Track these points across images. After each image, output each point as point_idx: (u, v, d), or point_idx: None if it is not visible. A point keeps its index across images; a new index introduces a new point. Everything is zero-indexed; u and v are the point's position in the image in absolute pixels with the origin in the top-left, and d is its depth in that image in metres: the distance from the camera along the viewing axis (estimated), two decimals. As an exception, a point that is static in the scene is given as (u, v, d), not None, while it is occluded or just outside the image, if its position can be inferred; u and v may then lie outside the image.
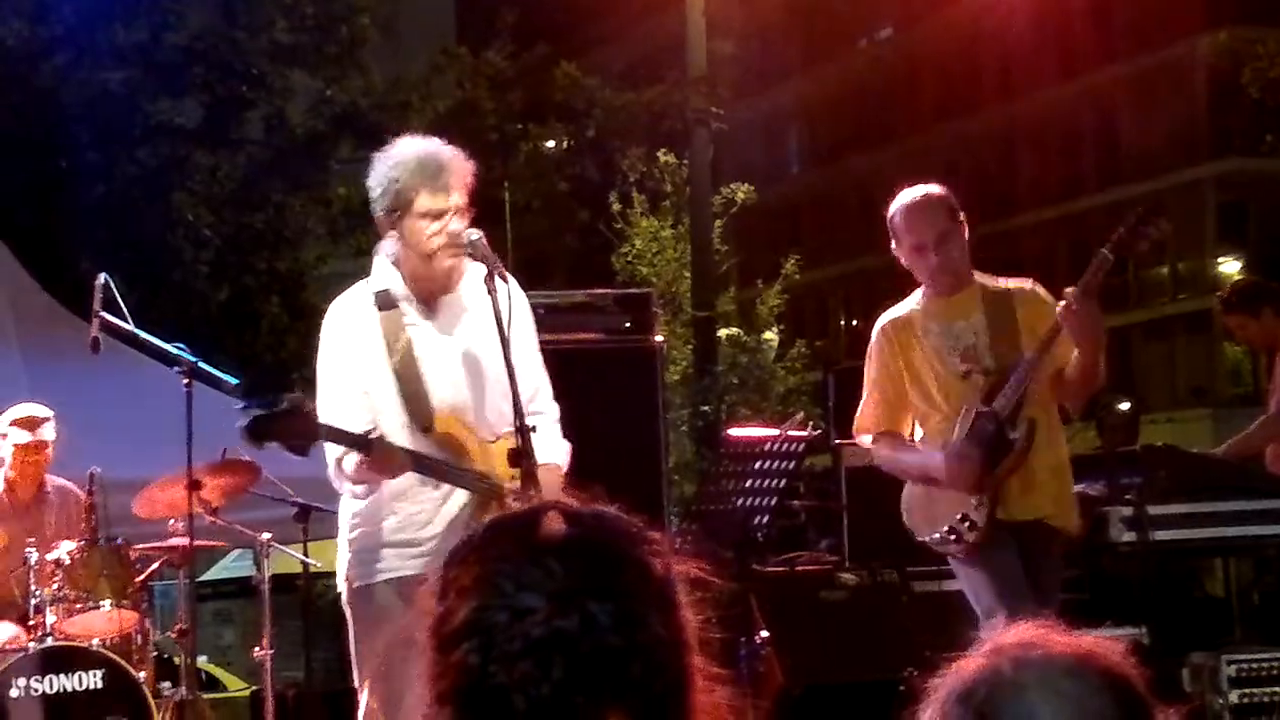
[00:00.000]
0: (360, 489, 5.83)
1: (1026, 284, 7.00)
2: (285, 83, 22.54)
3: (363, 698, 5.82)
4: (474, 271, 5.88)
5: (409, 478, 5.75)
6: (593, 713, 2.06)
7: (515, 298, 5.88)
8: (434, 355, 5.85)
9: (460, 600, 2.09)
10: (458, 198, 5.75)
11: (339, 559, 5.98)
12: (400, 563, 5.74)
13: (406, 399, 5.80)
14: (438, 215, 5.73)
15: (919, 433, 7.01)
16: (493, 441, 5.78)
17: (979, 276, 6.95)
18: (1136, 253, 6.77)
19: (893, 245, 6.90)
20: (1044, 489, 6.78)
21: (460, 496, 5.76)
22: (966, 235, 6.87)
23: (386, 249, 5.93)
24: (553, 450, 5.93)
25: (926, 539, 6.96)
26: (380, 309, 5.88)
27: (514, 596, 2.06)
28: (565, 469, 5.97)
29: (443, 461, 5.75)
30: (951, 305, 6.87)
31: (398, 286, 5.88)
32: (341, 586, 5.95)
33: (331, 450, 5.76)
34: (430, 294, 5.87)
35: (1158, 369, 46.15)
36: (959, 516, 6.75)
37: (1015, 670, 2.06)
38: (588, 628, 2.06)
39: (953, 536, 6.80)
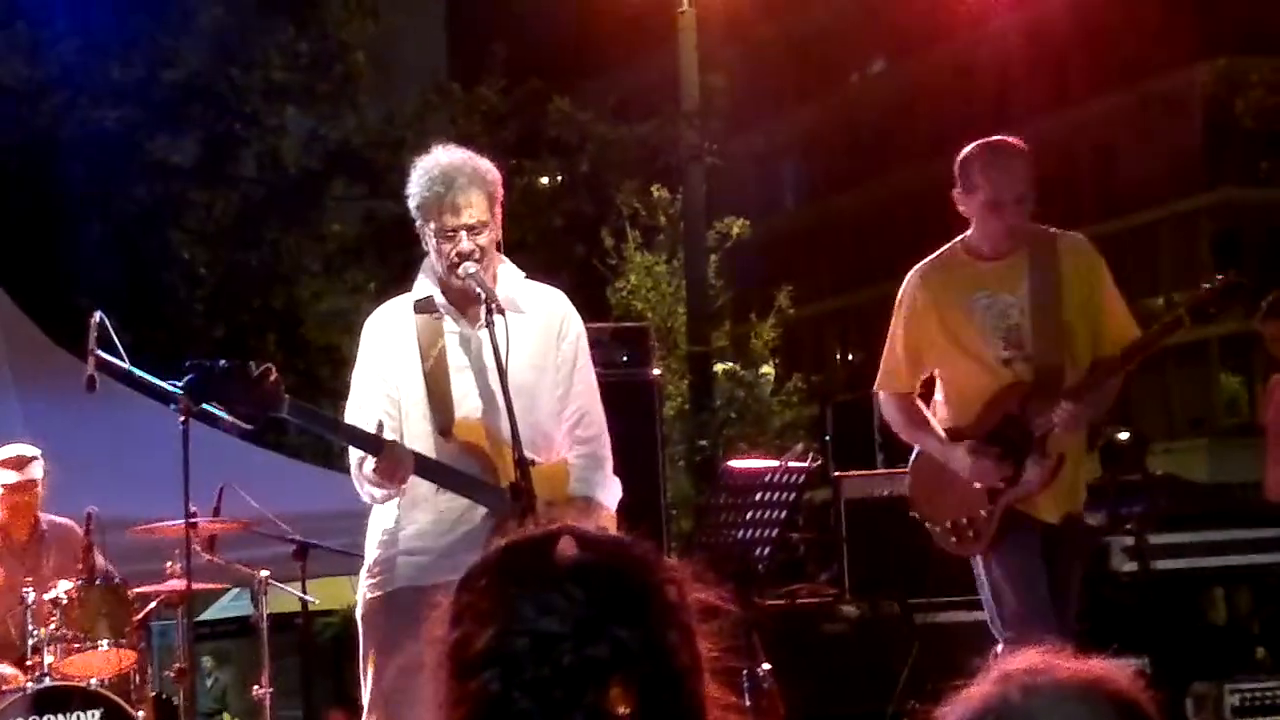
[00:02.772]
0: (380, 494, 5.75)
1: (1079, 240, 6.78)
2: (279, 120, 22.59)
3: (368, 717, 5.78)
4: (518, 284, 5.89)
5: (427, 486, 5.71)
6: None
7: (570, 319, 5.95)
8: (467, 365, 5.80)
9: (478, 626, 2.07)
10: (470, 215, 5.70)
11: (361, 575, 5.94)
12: (416, 572, 5.65)
13: (432, 403, 5.76)
14: (450, 233, 5.71)
15: (938, 393, 6.81)
16: (531, 464, 5.62)
17: (1031, 230, 6.65)
18: (1208, 318, 6.59)
19: (956, 191, 6.62)
20: (1072, 484, 6.66)
21: (481, 508, 5.68)
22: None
23: (426, 263, 5.93)
24: (589, 485, 5.89)
25: (926, 525, 6.81)
26: (418, 314, 5.87)
27: (535, 622, 2.04)
28: (606, 508, 5.88)
29: (448, 468, 5.68)
30: (999, 272, 6.60)
31: (437, 295, 5.85)
32: (359, 599, 5.90)
33: (354, 454, 5.73)
34: (466, 304, 5.83)
35: (1154, 399, 46.14)
36: (965, 520, 6.61)
37: (1024, 697, 2.04)
38: (618, 655, 2.04)
39: (953, 538, 6.67)
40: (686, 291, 21.73)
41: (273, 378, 5.51)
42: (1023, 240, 6.59)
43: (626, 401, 8.70)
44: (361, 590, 5.89)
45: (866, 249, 52.43)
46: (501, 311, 5.65)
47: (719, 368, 22.72)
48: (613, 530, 5.76)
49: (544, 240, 23.59)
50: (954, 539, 6.68)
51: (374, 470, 5.60)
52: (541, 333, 5.87)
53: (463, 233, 5.70)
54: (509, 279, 5.89)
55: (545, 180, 23.58)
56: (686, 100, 21.22)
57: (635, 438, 8.67)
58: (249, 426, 5.61)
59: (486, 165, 5.84)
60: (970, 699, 2.09)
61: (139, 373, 7.62)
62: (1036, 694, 2.05)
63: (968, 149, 6.62)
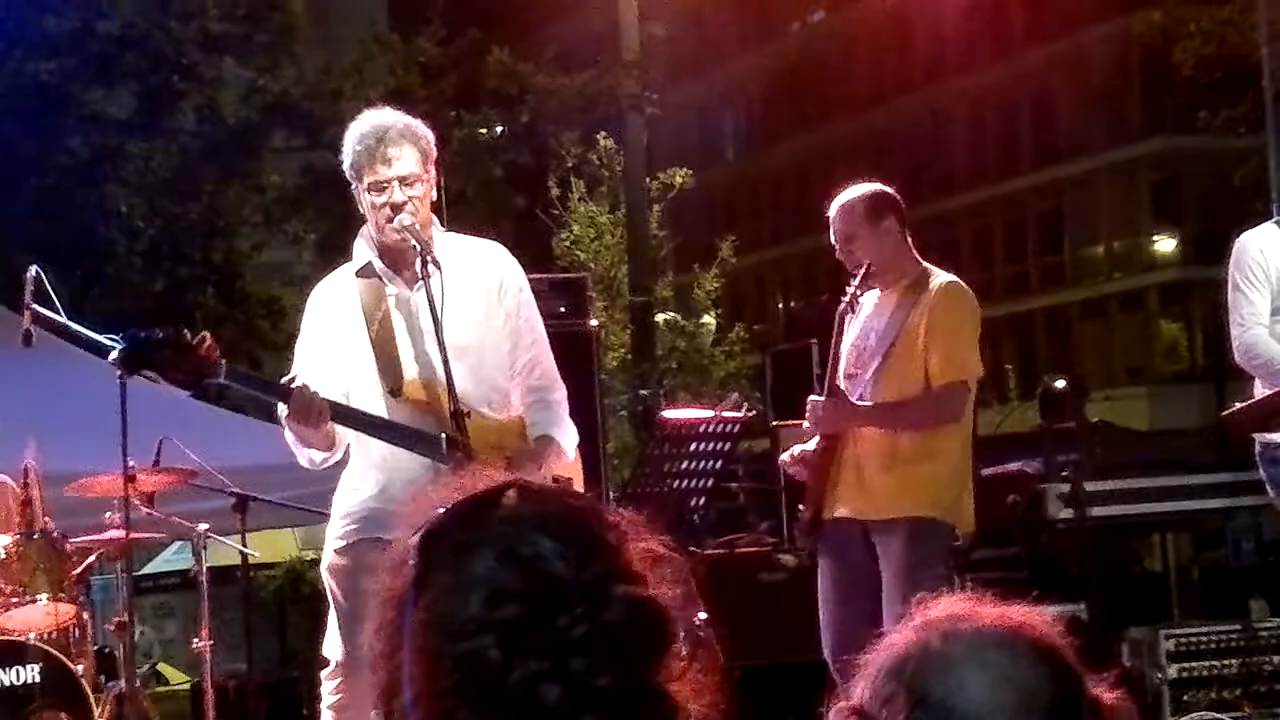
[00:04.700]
0: (310, 453, 5.81)
1: (944, 284, 7.03)
2: (217, 72, 22.49)
3: (332, 662, 5.83)
4: (455, 242, 5.90)
5: (384, 447, 5.75)
6: (636, 702, 2.03)
7: (510, 272, 5.98)
8: (412, 325, 5.81)
9: (460, 589, 2.02)
10: (401, 167, 5.71)
11: (327, 536, 6.01)
12: (377, 527, 5.62)
13: (380, 365, 5.78)
14: (380, 187, 5.72)
15: None
16: (481, 418, 5.72)
17: (920, 269, 7.05)
18: None
19: None
20: (880, 487, 6.84)
21: (429, 464, 5.68)
22: (894, 234, 6.98)
23: (363, 230, 5.96)
24: (545, 428, 5.92)
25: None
26: (360, 280, 5.88)
27: (528, 584, 2.01)
28: (566, 452, 5.94)
29: (377, 418, 5.72)
30: (882, 298, 7.02)
31: (376, 261, 5.86)
32: (326, 560, 5.95)
33: (281, 411, 5.75)
34: (405, 264, 5.83)
35: (1094, 348, 46.35)
36: (800, 510, 7.08)
37: (945, 643, 2.06)
38: (633, 615, 2.03)
39: (799, 523, 7.13)
40: (628, 241, 21.73)
41: (207, 344, 5.55)
42: (904, 276, 7.01)
43: (565, 352, 8.64)
44: (327, 551, 5.94)
45: (807, 198, 52.49)
46: (438, 265, 5.67)
47: (660, 318, 22.74)
48: (576, 473, 5.89)
49: (484, 192, 23.54)
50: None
51: (286, 417, 5.64)
52: (482, 289, 5.88)
53: (395, 183, 5.70)
54: (445, 238, 5.92)
55: (484, 132, 23.52)
56: (626, 50, 21.19)
57: (573, 387, 8.65)
58: (185, 391, 5.62)
59: (419, 124, 5.87)
60: (892, 646, 2.11)
61: (76, 327, 7.59)
62: (957, 640, 2.07)
63: None
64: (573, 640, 1.98)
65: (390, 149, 5.71)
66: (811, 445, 6.99)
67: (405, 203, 5.70)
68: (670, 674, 2.07)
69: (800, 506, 7.00)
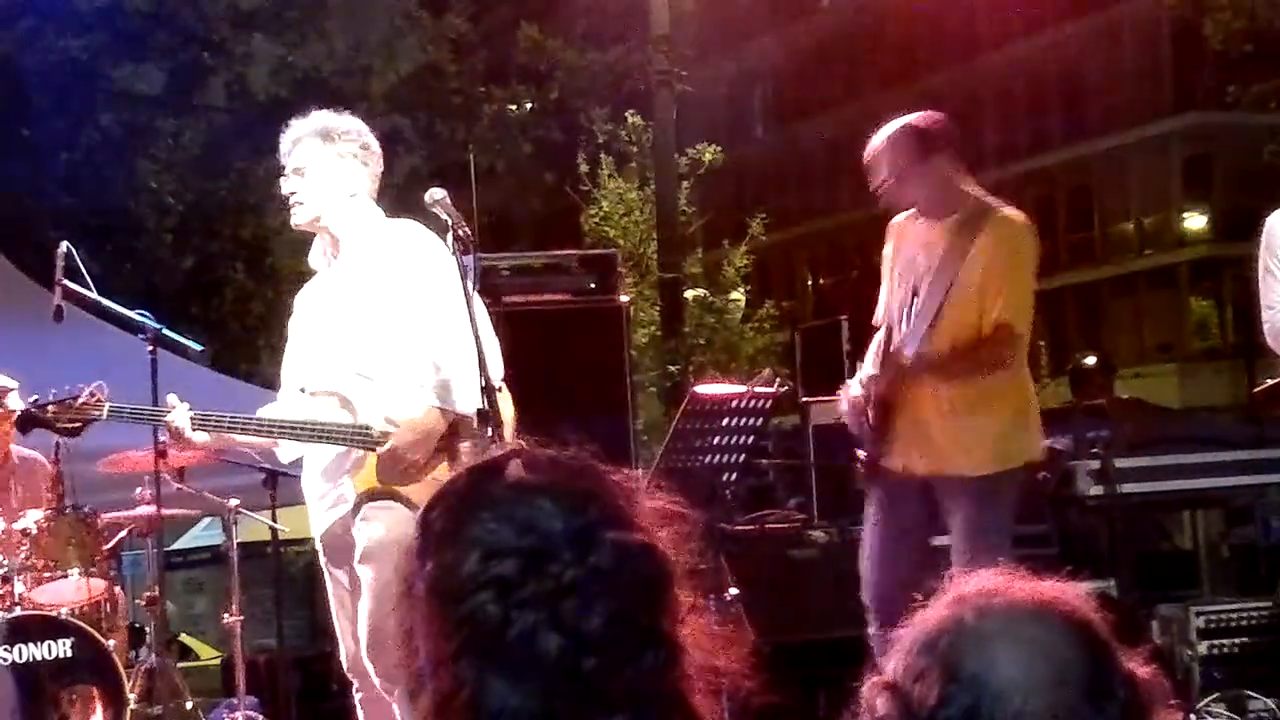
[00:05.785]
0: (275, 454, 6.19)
1: (1002, 225, 6.84)
2: (247, 48, 22.55)
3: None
4: (369, 229, 5.97)
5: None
6: (632, 644, 2.06)
7: (406, 257, 5.93)
8: (315, 317, 6.08)
9: (458, 552, 2.07)
10: (294, 160, 5.99)
11: None
12: (314, 522, 6.06)
13: (300, 360, 6.09)
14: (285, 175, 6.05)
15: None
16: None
17: (974, 202, 6.88)
18: None
19: None
20: (941, 442, 6.77)
21: (325, 455, 5.91)
22: (943, 170, 6.86)
23: None
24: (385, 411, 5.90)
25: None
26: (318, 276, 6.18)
27: (521, 540, 2.05)
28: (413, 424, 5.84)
29: (234, 415, 6.05)
30: (930, 230, 6.84)
31: (317, 255, 6.15)
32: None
33: None
34: (328, 249, 6.09)
35: (1125, 324, 46.24)
36: (860, 451, 6.93)
37: (978, 618, 2.06)
38: (623, 559, 2.06)
39: (860, 467, 6.97)
40: (657, 218, 21.71)
41: (84, 396, 6.19)
42: (955, 209, 6.83)
43: (595, 327, 8.68)
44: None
45: (837, 174, 52.39)
46: (468, 238, 5.64)
47: (689, 294, 22.72)
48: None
49: (513, 168, 23.53)
50: (861, 467, 7.00)
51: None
52: (373, 276, 5.93)
53: (292, 175, 5.99)
54: (359, 224, 6.00)
55: (514, 108, 23.51)
56: (656, 25, 21.15)
57: (604, 363, 8.66)
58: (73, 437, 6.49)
59: (336, 121, 6.08)
60: (925, 621, 2.11)
61: (106, 302, 7.61)
62: (990, 615, 2.07)
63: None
64: (563, 586, 2.02)
65: (290, 144, 6.02)
66: (858, 390, 6.85)
67: (292, 193, 5.98)
68: (674, 618, 2.10)
69: (861, 453, 6.87)
